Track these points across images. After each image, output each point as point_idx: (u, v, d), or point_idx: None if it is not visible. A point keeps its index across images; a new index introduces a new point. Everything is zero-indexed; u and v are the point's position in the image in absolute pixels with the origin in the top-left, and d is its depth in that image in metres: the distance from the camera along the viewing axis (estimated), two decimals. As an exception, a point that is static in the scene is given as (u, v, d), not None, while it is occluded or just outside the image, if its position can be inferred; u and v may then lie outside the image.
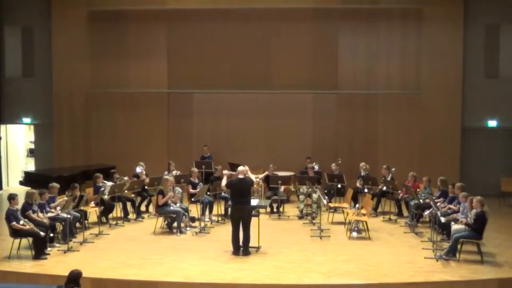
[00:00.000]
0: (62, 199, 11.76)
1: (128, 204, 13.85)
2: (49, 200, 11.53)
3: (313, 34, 17.47)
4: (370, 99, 17.47)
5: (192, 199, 13.34)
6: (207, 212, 13.23)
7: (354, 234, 12.05)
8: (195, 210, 13.37)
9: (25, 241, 10.58)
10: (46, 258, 10.25)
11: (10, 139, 19.18)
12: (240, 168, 10.86)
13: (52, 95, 18.13)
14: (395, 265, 9.96)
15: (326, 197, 13.14)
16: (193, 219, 12.98)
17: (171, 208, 12.38)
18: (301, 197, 14.11)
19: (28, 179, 15.24)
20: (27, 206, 10.58)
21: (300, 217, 13.84)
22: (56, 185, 11.96)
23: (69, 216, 11.08)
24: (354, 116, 17.51)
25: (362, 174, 14.75)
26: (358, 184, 14.54)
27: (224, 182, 11.33)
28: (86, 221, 12.46)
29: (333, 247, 11.15)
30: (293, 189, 15.21)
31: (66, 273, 7.73)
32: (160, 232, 12.40)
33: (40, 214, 10.80)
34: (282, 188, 14.46)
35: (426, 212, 12.08)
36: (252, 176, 11.11)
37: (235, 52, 17.58)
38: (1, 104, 18.44)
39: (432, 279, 9.21)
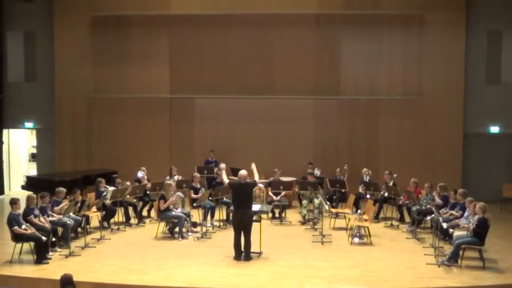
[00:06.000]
0: (65, 203, 11.76)
1: (130, 209, 13.83)
2: (54, 204, 11.56)
3: (315, 40, 17.50)
4: (372, 104, 17.48)
5: (194, 204, 13.33)
6: (208, 217, 13.24)
7: (356, 239, 12.03)
8: (197, 215, 13.36)
9: (27, 246, 10.58)
10: (47, 263, 10.24)
11: (12, 143, 19.23)
12: (241, 172, 10.80)
13: (54, 100, 18.18)
14: (396, 271, 9.94)
15: (328, 202, 13.13)
16: (194, 224, 12.96)
17: (173, 213, 12.38)
18: (304, 202, 14.09)
19: (30, 183, 15.25)
20: (28, 210, 10.60)
21: (303, 223, 13.82)
22: (62, 189, 12.01)
23: (69, 221, 11.10)
24: (356, 122, 17.52)
25: (365, 179, 14.74)
26: (360, 190, 14.53)
27: (225, 178, 11.26)
28: (87, 226, 12.44)
29: (334, 253, 11.13)
30: (297, 190, 15.16)
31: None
32: (162, 237, 12.39)
33: (42, 219, 10.81)
34: (283, 193, 14.45)
35: (428, 218, 12.07)
36: (256, 175, 10.99)
37: (237, 57, 17.61)
38: (4, 109, 18.49)
39: (433, 285, 9.19)
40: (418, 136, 17.28)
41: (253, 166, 11.04)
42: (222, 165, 11.96)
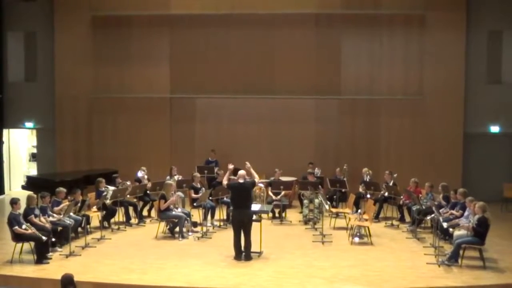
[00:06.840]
0: (65, 203, 11.76)
1: (130, 209, 13.83)
2: (54, 204, 11.57)
3: (315, 40, 17.49)
4: (372, 104, 17.48)
5: (194, 204, 13.33)
6: (209, 217, 13.24)
7: (356, 239, 12.03)
8: (197, 215, 13.36)
9: (27, 246, 10.58)
10: (48, 263, 10.25)
11: (13, 143, 19.23)
12: (240, 172, 10.81)
13: (54, 100, 18.18)
14: (397, 270, 9.94)
15: (328, 202, 13.12)
16: (195, 224, 12.97)
17: (173, 213, 12.38)
18: (305, 202, 14.08)
19: (30, 183, 15.25)
20: (28, 210, 10.60)
21: (305, 222, 13.80)
22: (62, 189, 12.03)
23: (69, 222, 11.10)
24: (357, 122, 17.52)
25: (365, 179, 14.74)
26: (360, 189, 14.53)
27: (225, 180, 11.12)
28: (88, 226, 12.45)
29: (335, 253, 11.13)
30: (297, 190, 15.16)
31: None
32: (162, 237, 12.39)
33: (42, 219, 10.82)
34: (283, 193, 14.44)
35: (428, 217, 12.07)
36: (255, 174, 10.97)
37: (237, 57, 17.62)
38: (4, 109, 18.48)
39: (434, 285, 9.19)
40: (418, 135, 17.28)
41: (248, 164, 11.01)
42: (230, 166, 11.67)
